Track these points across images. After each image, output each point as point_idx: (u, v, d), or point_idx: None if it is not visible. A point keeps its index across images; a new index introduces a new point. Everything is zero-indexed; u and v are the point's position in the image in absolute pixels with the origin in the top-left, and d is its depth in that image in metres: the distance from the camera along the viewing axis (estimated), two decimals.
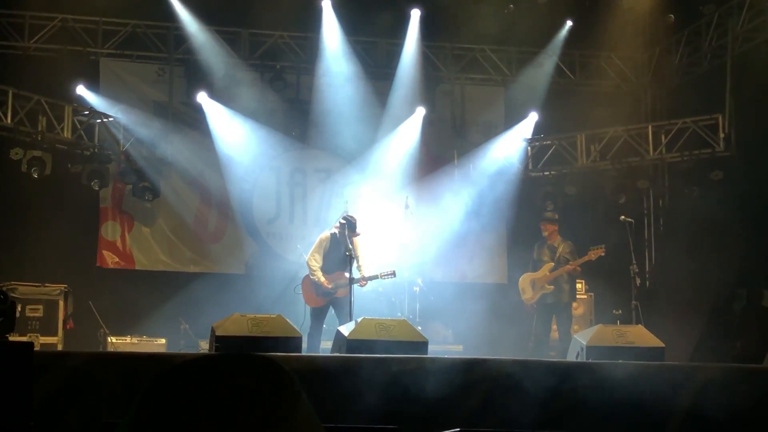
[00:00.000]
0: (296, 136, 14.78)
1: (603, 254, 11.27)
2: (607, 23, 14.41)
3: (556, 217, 12.06)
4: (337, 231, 10.77)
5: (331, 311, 10.87)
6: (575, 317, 12.46)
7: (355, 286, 10.03)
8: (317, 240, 10.98)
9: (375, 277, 10.84)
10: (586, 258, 11.34)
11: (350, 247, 10.08)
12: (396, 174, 14.46)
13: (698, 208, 13.61)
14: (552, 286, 11.41)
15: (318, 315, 10.79)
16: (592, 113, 14.84)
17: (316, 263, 10.78)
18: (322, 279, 10.69)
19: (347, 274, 10.19)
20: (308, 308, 10.99)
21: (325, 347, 11.12)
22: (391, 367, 6.21)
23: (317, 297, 10.78)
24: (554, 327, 11.89)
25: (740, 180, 13.06)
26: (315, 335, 10.57)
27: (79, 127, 13.27)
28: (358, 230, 10.63)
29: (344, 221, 10.64)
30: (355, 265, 10.33)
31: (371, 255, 11.60)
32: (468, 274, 14.99)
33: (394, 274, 11.02)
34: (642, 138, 14.18)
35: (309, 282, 10.90)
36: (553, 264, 11.46)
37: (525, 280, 11.69)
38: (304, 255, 11.53)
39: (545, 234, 11.79)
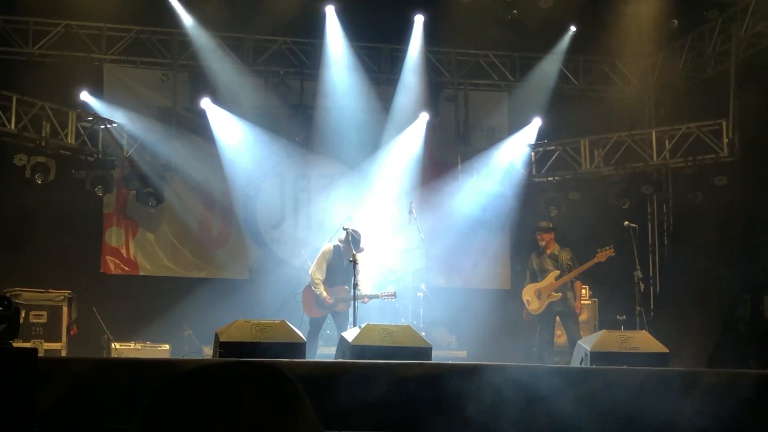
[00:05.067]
0: (300, 142, 14.79)
1: (613, 254, 11.19)
2: (610, 29, 14.39)
3: (551, 225, 12.00)
4: (341, 244, 10.85)
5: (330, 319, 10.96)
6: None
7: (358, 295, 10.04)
8: (320, 252, 11.06)
9: (375, 297, 10.89)
10: (595, 260, 11.25)
11: (354, 254, 10.06)
12: (400, 179, 14.46)
13: (702, 214, 13.60)
14: (559, 294, 11.37)
15: (315, 325, 10.83)
16: (595, 118, 14.84)
17: (320, 276, 10.84)
18: (324, 294, 10.76)
19: (348, 289, 10.41)
20: (306, 316, 11.01)
21: (323, 353, 11.17)
22: (395, 373, 6.21)
23: (316, 308, 10.87)
24: (558, 332, 11.88)
25: (744, 185, 13.04)
26: (311, 344, 10.56)
27: (82, 132, 13.29)
28: (362, 245, 10.63)
29: (349, 236, 10.64)
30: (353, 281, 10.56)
31: (373, 270, 11.64)
32: (471, 280, 14.99)
33: (394, 295, 11.09)
34: (646, 143, 14.17)
35: (310, 292, 10.98)
36: (558, 272, 11.41)
37: (529, 291, 11.60)
38: (309, 261, 11.58)
39: (542, 244, 11.71)
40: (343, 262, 10.72)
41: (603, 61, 15.45)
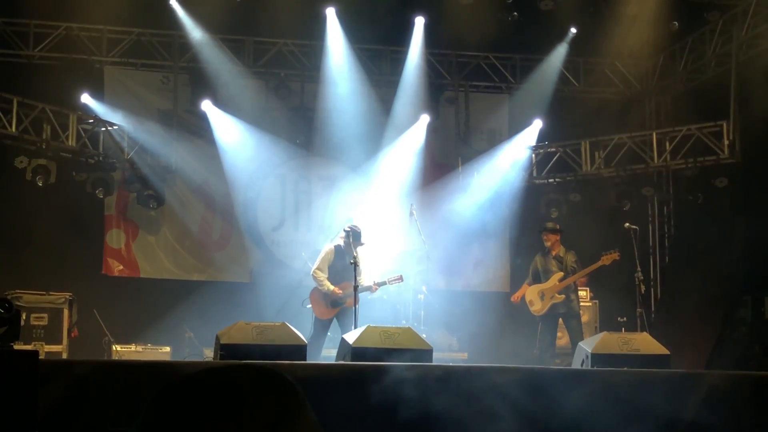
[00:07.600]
0: (301, 144, 14.77)
1: (618, 258, 11.17)
2: (611, 30, 14.37)
3: (558, 226, 11.96)
4: (342, 242, 10.82)
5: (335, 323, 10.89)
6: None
7: (361, 294, 9.99)
8: (322, 252, 10.98)
9: (383, 283, 10.85)
10: (599, 263, 11.22)
11: (354, 256, 10.07)
12: (400, 181, 14.45)
13: (703, 215, 13.60)
14: (563, 296, 11.34)
15: (325, 326, 10.79)
16: (596, 120, 14.84)
17: (323, 274, 10.77)
18: (332, 288, 10.66)
19: (353, 284, 10.31)
20: (314, 319, 10.95)
21: (326, 354, 11.15)
22: (396, 375, 6.20)
23: (328, 308, 10.74)
24: (559, 334, 11.85)
25: (745, 187, 13.04)
26: (317, 346, 10.54)
27: (83, 135, 13.30)
28: (363, 240, 10.65)
29: (349, 231, 10.70)
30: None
31: (375, 263, 11.62)
32: (472, 282, 14.98)
33: (401, 278, 11.05)
34: (646, 145, 14.18)
35: (317, 294, 10.86)
36: (562, 273, 11.37)
37: (532, 292, 11.56)
38: (309, 263, 11.54)
39: (548, 244, 11.66)
40: (345, 260, 10.61)
41: (603, 63, 15.44)
